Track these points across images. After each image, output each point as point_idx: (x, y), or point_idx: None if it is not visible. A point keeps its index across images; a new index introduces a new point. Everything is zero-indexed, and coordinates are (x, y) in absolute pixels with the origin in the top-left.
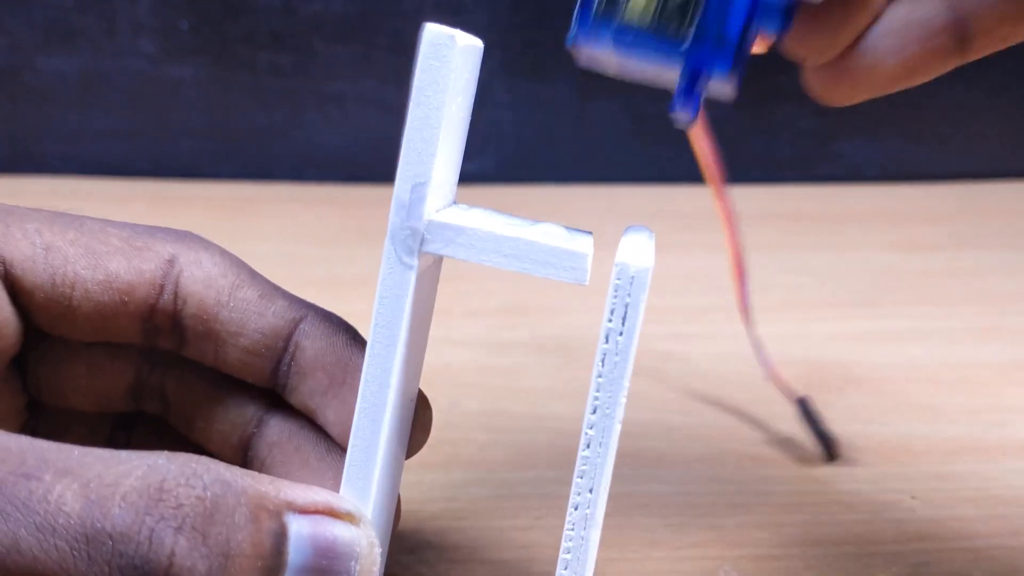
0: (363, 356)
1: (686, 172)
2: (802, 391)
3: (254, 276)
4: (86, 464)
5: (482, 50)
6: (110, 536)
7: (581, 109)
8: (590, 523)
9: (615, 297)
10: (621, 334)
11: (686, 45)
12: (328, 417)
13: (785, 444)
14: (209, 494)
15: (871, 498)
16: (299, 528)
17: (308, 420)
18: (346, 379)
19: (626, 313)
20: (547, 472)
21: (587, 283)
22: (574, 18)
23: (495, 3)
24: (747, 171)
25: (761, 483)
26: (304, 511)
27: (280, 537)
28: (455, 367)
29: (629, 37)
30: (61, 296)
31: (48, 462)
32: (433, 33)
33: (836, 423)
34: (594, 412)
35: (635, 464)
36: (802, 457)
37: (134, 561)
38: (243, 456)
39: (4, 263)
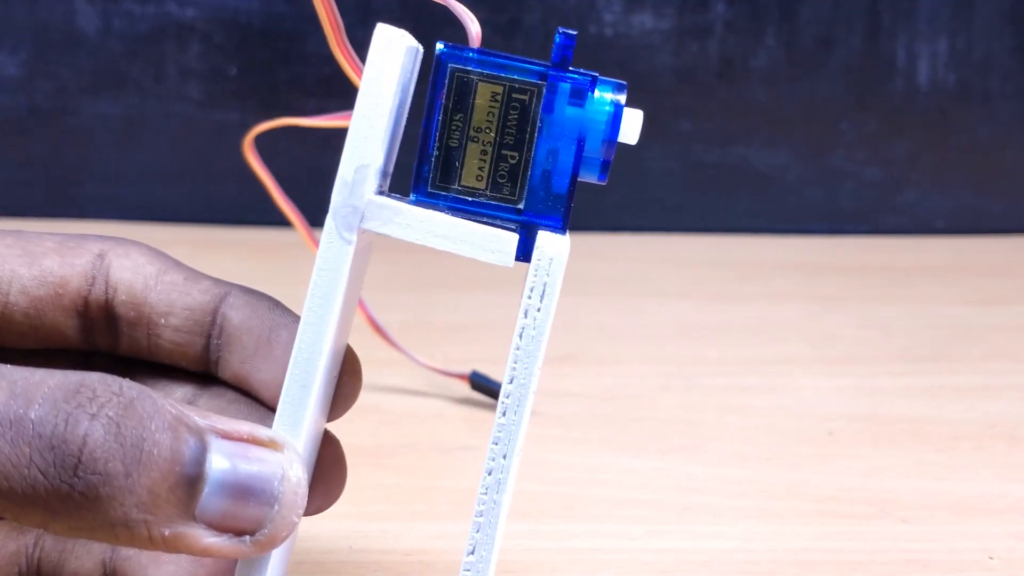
0: (287, 319)
1: (743, 222)
2: (870, 447)
3: (178, 263)
4: (13, 371)
5: (422, 53)
6: (31, 421)
7: (635, 156)
8: (502, 487)
9: (535, 276)
10: (539, 310)
11: (521, 206)
12: (261, 378)
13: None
14: (127, 393)
15: (945, 559)
16: (221, 447)
17: (240, 394)
18: (272, 340)
19: (544, 291)
20: (598, 526)
21: (511, 265)
22: (411, 186)
23: (547, 48)
24: (808, 222)
25: (828, 539)
26: (227, 437)
27: (200, 450)
28: None
29: (466, 203)
30: None
31: None
32: (385, 30)
33: (907, 480)
34: (511, 382)
35: (692, 519)
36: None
37: (51, 442)
38: None
39: None
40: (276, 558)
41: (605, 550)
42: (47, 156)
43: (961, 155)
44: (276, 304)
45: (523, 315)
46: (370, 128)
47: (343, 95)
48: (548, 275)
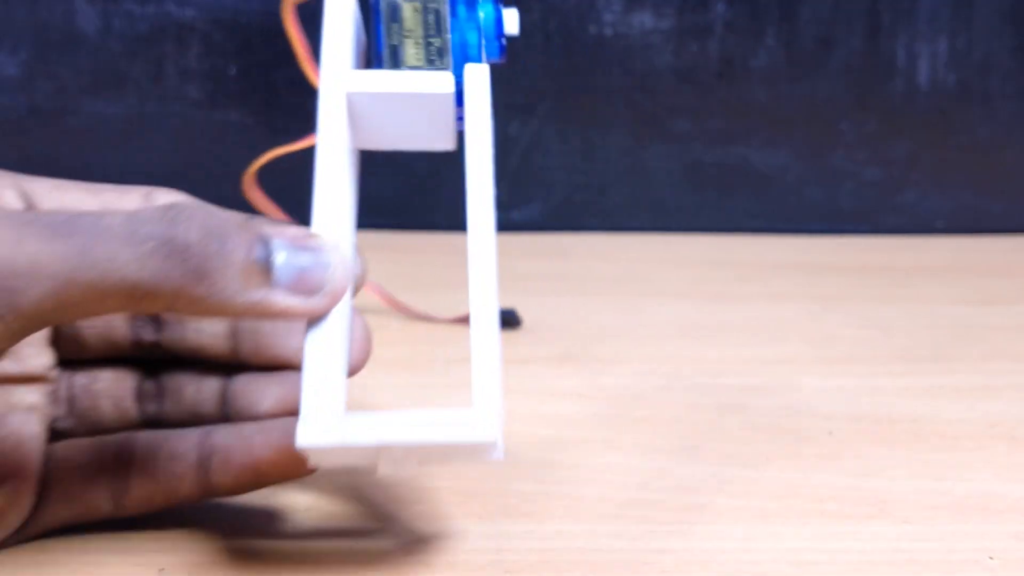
0: None
1: (743, 222)
2: (870, 447)
3: None
4: (115, 210)
5: None
6: (144, 233)
7: (635, 156)
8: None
9: (470, 89)
10: (477, 114)
11: (451, 72)
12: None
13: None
14: (202, 208)
15: (945, 559)
16: (280, 236)
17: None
18: None
19: (478, 98)
20: (599, 526)
21: (452, 92)
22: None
23: (547, 48)
24: (808, 222)
25: (828, 539)
26: (281, 234)
27: (266, 239)
28: (504, 415)
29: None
30: None
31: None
32: None
33: (907, 480)
34: (473, 189)
35: (692, 519)
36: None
37: (163, 241)
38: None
39: (26, 196)
40: (336, 326)
41: (605, 550)
42: (47, 156)
43: (961, 155)
44: None
45: (468, 123)
46: (339, 47)
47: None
48: (479, 83)
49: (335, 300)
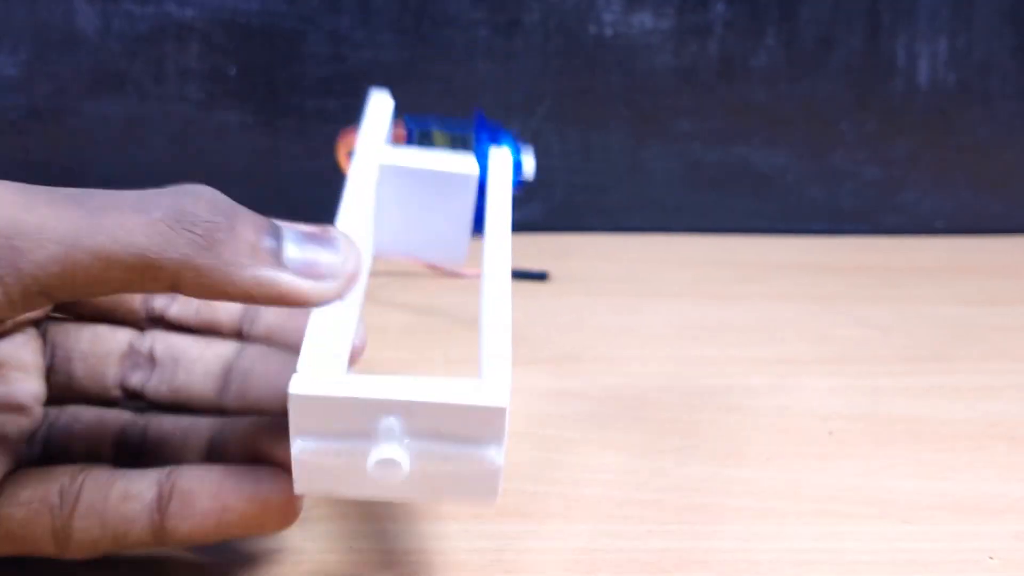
0: None
1: (743, 222)
2: (870, 447)
3: None
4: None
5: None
6: (160, 206)
7: (635, 156)
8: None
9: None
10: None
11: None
12: (294, 326)
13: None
14: (216, 192)
15: (945, 559)
16: (290, 230)
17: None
18: (299, 314)
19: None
20: (599, 525)
21: (476, 175)
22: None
23: (547, 48)
24: (809, 222)
25: (828, 539)
26: (291, 228)
27: (276, 231)
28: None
29: None
30: None
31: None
32: (377, 94)
33: (907, 480)
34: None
35: (692, 519)
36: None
37: (176, 216)
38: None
39: None
40: (346, 305)
41: (605, 550)
42: (47, 156)
43: (961, 155)
44: None
45: (491, 196)
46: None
47: (342, 95)
48: (503, 165)
49: (346, 287)
